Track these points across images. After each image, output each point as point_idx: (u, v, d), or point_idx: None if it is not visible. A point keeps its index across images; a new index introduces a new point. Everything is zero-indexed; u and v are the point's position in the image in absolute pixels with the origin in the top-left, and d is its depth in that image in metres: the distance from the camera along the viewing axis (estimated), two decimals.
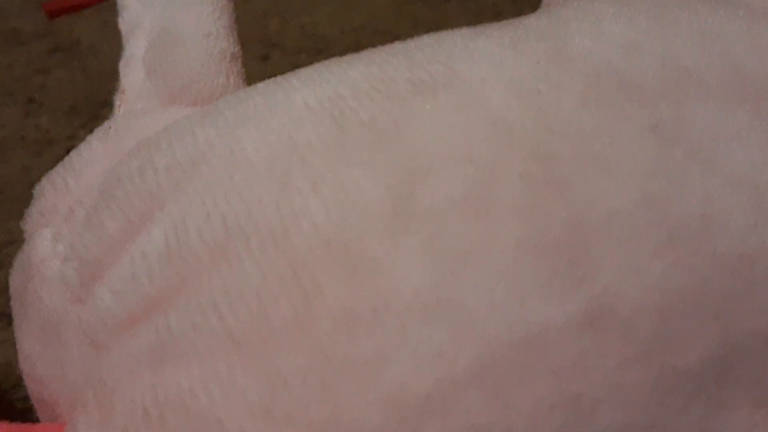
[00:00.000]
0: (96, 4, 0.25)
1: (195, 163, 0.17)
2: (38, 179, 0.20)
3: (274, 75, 0.19)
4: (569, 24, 0.18)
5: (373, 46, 0.19)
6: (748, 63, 0.18)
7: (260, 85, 0.18)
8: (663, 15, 0.19)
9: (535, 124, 0.17)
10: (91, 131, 0.21)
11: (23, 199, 0.21)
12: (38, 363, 0.18)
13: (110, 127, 0.20)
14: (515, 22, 0.19)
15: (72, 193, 0.19)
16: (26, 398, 0.20)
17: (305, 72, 0.18)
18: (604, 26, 0.18)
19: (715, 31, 0.18)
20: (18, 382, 0.32)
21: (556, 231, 0.16)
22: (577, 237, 0.16)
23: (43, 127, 0.45)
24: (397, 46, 0.19)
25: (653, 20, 0.18)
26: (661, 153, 0.16)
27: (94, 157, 0.19)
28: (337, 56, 0.19)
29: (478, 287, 0.15)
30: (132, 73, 0.21)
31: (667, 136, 0.17)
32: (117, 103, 0.21)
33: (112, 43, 0.22)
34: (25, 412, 0.31)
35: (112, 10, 0.22)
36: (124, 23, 0.21)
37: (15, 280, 0.19)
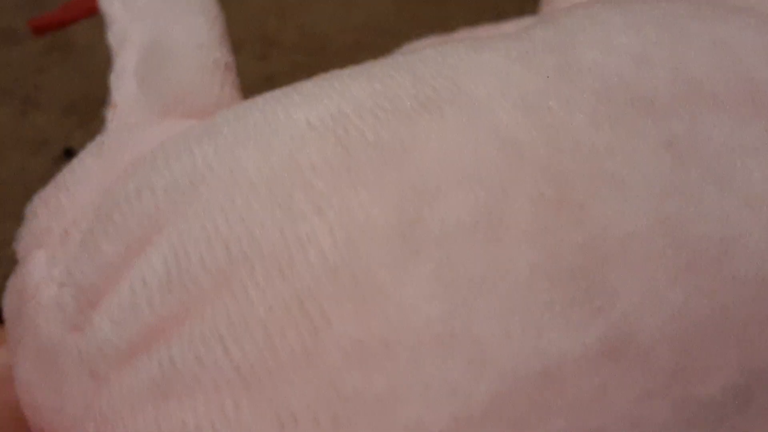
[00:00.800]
0: (83, 19, 0.25)
1: (194, 184, 0.16)
2: (34, 179, 0.20)
3: (273, 74, 0.19)
4: (577, 35, 0.18)
5: (373, 44, 0.19)
6: (761, 74, 0.17)
7: (259, 101, 0.18)
8: (673, 25, 0.18)
9: (545, 143, 0.16)
10: (87, 130, 0.21)
11: (19, 199, 0.20)
12: (35, 391, 0.18)
13: (103, 143, 0.19)
14: (521, 32, 0.19)
15: (66, 213, 0.18)
16: None
17: (306, 87, 0.18)
18: (612, 37, 0.18)
19: (726, 41, 0.18)
20: None
21: (572, 256, 0.15)
22: (593, 263, 0.15)
23: (39, 127, 0.45)
24: (400, 59, 0.18)
25: (663, 31, 0.18)
26: (676, 172, 0.16)
27: (87, 175, 0.19)
28: (336, 55, 0.19)
29: (492, 318, 0.15)
30: (123, 86, 0.20)
31: (682, 154, 0.16)
32: (109, 117, 0.20)
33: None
34: None
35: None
36: (113, 37, 0.21)
37: (9, 304, 0.19)
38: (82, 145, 0.20)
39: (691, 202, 0.16)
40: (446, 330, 0.15)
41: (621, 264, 0.15)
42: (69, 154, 0.42)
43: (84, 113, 0.45)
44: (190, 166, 0.17)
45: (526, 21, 0.20)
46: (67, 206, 0.19)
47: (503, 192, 0.16)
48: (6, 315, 0.19)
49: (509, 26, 0.21)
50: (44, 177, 0.21)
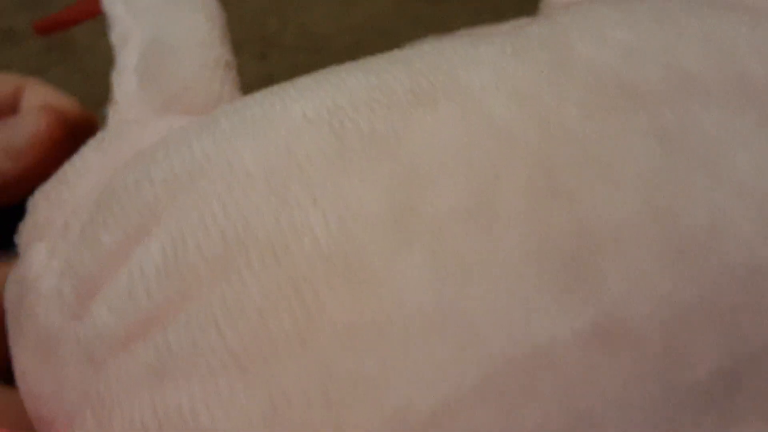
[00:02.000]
0: (86, 20, 0.25)
1: (192, 175, 0.17)
2: None
3: (273, 74, 0.19)
4: (571, 31, 0.18)
5: (373, 44, 0.19)
6: (753, 68, 0.18)
7: (257, 95, 0.18)
8: (666, 20, 0.18)
9: (538, 133, 0.16)
10: None
11: None
12: (35, 380, 0.18)
13: (104, 138, 0.19)
14: (516, 29, 0.19)
15: (66, 206, 0.19)
16: None
17: (303, 82, 0.18)
18: (606, 32, 0.18)
19: (719, 36, 0.18)
20: None
21: (563, 243, 0.15)
22: (584, 250, 0.15)
23: None
24: (396, 54, 0.19)
25: (656, 25, 0.18)
26: (666, 161, 0.16)
27: (88, 169, 0.19)
28: (336, 55, 0.19)
29: (483, 302, 0.15)
30: (124, 83, 0.20)
31: (672, 144, 0.16)
32: (110, 113, 0.20)
33: (109, 43, 0.22)
34: None
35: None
36: (116, 36, 0.21)
37: (10, 295, 0.19)
38: None
39: (680, 191, 0.16)
40: (437, 314, 0.15)
41: (612, 251, 0.16)
42: None
43: None
44: (188, 158, 0.17)
45: (524, 21, 0.20)
46: (67, 199, 0.19)
47: (495, 179, 0.16)
48: (7, 306, 0.19)
49: (507, 27, 0.21)
50: None
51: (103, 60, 0.22)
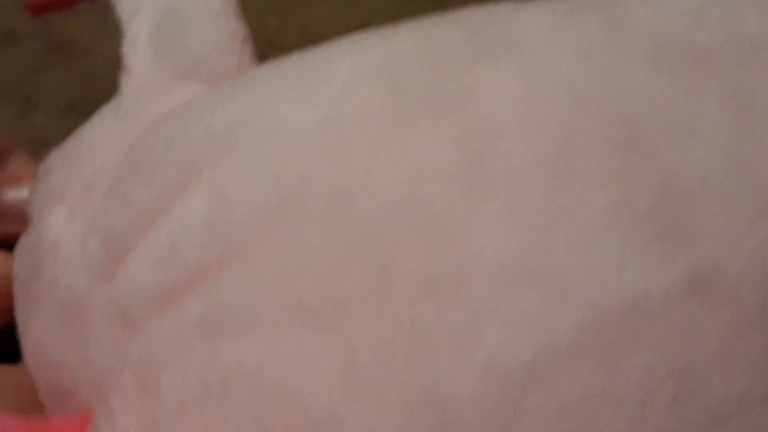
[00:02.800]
0: (81, 2, 0.25)
1: (233, 132, 0.16)
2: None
3: None
4: None
5: None
6: None
7: (291, 58, 0.18)
8: None
9: (608, 89, 0.16)
10: None
11: None
12: (54, 349, 0.17)
13: (121, 103, 0.19)
14: None
15: (86, 169, 0.18)
16: None
17: (342, 43, 0.17)
18: None
19: None
20: None
21: (649, 198, 0.15)
22: (671, 203, 0.15)
23: (38, 127, 0.45)
24: (436, 18, 0.18)
25: None
26: (741, 120, 0.16)
27: (107, 133, 0.19)
28: None
29: (571, 252, 0.15)
30: (138, 52, 0.20)
31: (745, 104, 0.16)
32: (124, 81, 0.20)
33: (108, 43, 0.22)
34: None
35: (108, 9, 0.22)
36: (123, 9, 0.21)
37: (21, 264, 0.19)
38: None
39: (760, 147, 0.16)
40: (524, 263, 0.15)
41: (699, 204, 0.15)
42: None
43: (83, 114, 0.45)
44: (227, 117, 0.16)
45: None
46: (87, 162, 0.18)
47: (570, 136, 0.15)
48: (18, 275, 0.19)
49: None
50: None
51: (103, 60, 0.22)
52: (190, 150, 0.16)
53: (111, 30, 0.22)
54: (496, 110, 0.15)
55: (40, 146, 0.47)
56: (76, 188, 0.18)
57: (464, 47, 0.16)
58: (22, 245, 0.19)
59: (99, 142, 0.19)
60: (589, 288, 0.15)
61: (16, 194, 0.23)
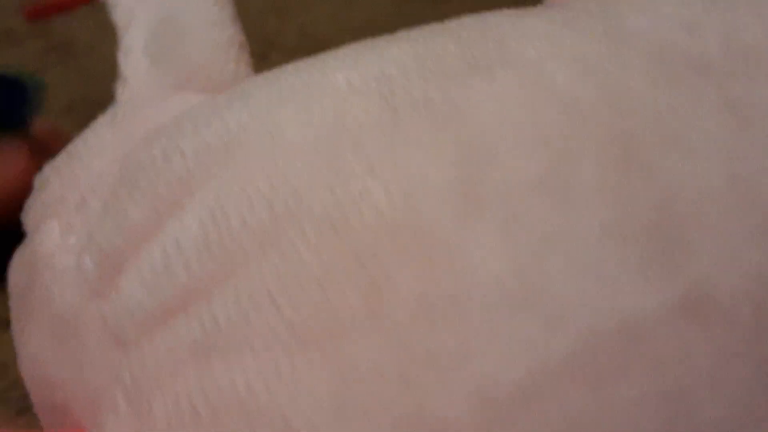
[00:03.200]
0: (77, 7, 0.25)
1: (228, 146, 0.16)
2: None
3: None
4: (620, 4, 0.17)
5: None
6: None
7: (288, 68, 0.18)
8: None
9: (606, 103, 0.16)
10: None
11: None
12: (49, 365, 0.17)
13: (116, 114, 0.19)
14: (557, 5, 0.18)
15: (81, 182, 0.18)
16: (23, 398, 0.20)
17: (339, 53, 0.17)
18: (658, 6, 0.17)
19: None
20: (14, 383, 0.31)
21: (644, 215, 0.15)
22: (667, 221, 0.15)
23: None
24: (434, 27, 0.18)
25: (709, 2, 0.17)
26: (740, 133, 0.16)
27: (102, 145, 0.18)
28: None
29: (566, 274, 0.15)
30: (134, 61, 0.20)
31: (743, 116, 0.16)
32: (119, 91, 0.20)
33: (108, 43, 0.22)
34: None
35: (108, 10, 0.22)
36: (119, 17, 0.21)
37: (17, 277, 0.19)
38: None
39: (758, 162, 0.16)
40: (518, 287, 0.15)
41: (696, 223, 0.15)
42: None
43: (83, 114, 0.45)
44: (222, 130, 0.16)
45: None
46: (81, 175, 0.18)
47: (567, 151, 0.15)
48: (12, 290, 0.19)
49: (538, 9, 0.21)
50: None
51: (103, 60, 0.22)
52: (184, 166, 0.16)
53: (111, 30, 0.22)
54: (492, 126, 0.15)
55: None
56: (71, 202, 0.18)
57: (460, 60, 0.16)
58: (18, 257, 0.19)
59: (93, 155, 0.19)
60: (582, 312, 0.15)
61: None
